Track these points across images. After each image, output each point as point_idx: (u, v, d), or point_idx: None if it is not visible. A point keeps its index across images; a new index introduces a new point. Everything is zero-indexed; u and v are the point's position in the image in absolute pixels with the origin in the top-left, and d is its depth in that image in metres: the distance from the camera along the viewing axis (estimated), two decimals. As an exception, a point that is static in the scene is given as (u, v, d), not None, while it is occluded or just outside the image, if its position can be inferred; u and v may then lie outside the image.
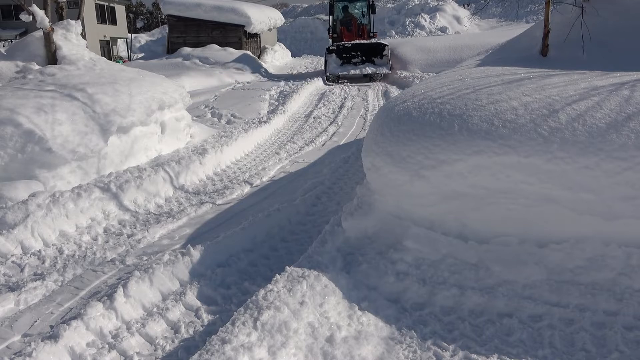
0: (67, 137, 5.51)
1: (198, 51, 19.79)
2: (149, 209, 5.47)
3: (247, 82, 16.28)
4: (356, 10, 18.73)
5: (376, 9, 19.82)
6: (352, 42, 16.73)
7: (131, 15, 54.71)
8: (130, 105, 6.46)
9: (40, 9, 7.13)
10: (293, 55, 29.62)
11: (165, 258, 3.98)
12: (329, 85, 15.55)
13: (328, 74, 16.15)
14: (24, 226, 4.47)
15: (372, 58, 16.16)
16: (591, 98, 3.79)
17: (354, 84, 15.70)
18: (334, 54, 16.24)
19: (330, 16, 18.68)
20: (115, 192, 5.36)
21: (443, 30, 30.63)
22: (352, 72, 15.87)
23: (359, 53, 16.18)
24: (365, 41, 17.05)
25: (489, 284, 3.48)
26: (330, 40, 18.31)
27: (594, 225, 3.47)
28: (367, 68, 15.92)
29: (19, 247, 4.37)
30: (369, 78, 16.07)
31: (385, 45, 16.40)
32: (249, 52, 21.27)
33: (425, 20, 31.56)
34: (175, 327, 3.33)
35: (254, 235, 4.58)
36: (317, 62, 24.42)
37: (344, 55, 16.16)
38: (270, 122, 9.53)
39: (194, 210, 5.37)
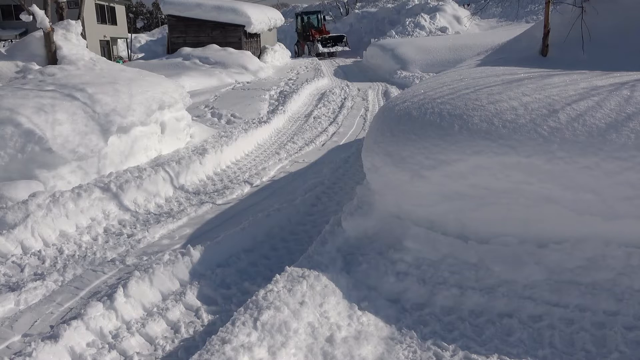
0: (67, 137, 5.50)
1: (198, 51, 19.74)
2: (149, 209, 5.47)
3: (247, 82, 16.28)
4: (313, 19, 32.49)
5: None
6: (329, 35, 30.17)
7: (131, 15, 54.65)
8: (130, 105, 6.46)
9: (40, 9, 7.13)
10: (295, 57, 29.73)
11: (165, 258, 3.99)
12: (321, 60, 26.04)
13: (318, 51, 28.69)
14: (24, 226, 4.47)
15: (337, 43, 29.47)
16: (591, 98, 3.79)
17: (353, 82, 15.84)
18: (319, 42, 29.06)
19: (299, 22, 32.92)
20: (115, 192, 5.36)
21: (443, 30, 30.54)
22: (329, 49, 28.97)
23: (330, 40, 29.55)
24: (334, 34, 30.56)
25: (489, 284, 3.48)
26: (296, 35, 33.41)
27: (594, 225, 3.46)
28: (335, 47, 29.18)
29: (19, 247, 4.37)
30: (335, 54, 29.56)
31: (344, 35, 30.32)
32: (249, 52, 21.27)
33: (425, 21, 31.46)
34: (175, 327, 3.33)
35: (254, 235, 4.58)
36: (317, 62, 24.45)
37: (323, 42, 29.19)
38: (270, 122, 9.53)
39: (194, 210, 5.37)
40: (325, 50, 28.91)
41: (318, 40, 29.17)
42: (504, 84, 4.38)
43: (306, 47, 30.65)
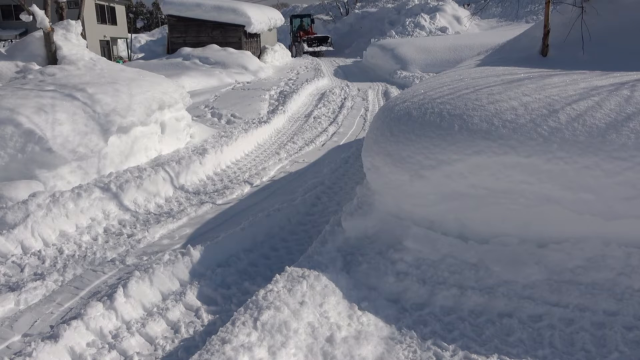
0: (67, 137, 5.51)
1: (198, 51, 19.73)
2: (149, 208, 5.47)
3: (247, 82, 16.28)
4: (305, 22, 35.63)
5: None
6: (314, 35, 33.41)
7: (131, 15, 54.61)
8: (131, 105, 6.46)
9: (40, 9, 7.13)
10: (293, 56, 29.74)
11: (165, 258, 3.99)
12: (320, 60, 27.20)
13: (303, 50, 31.43)
14: (24, 226, 4.47)
15: (322, 43, 32.33)
16: (591, 98, 3.79)
17: (353, 82, 15.85)
18: (305, 42, 31.92)
19: (290, 25, 35.78)
20: (116, 192, 5.36)
21: (443, 30, 30.57)
22: (315, 49, 31.63)
23: (316, 41, 32.42)
24: (320, 35, 33.61)
25: (489, 284, 3.48)
26: (290, 36, 35.97)
27: (594, 225, 3.47)
28: (320, 47, 31.92)
29: (19, 247, 4.37)
30: (321, 53, 32.00)
31: (329, 36, 33.16)
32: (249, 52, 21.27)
33: (425, 21, 31.51)
34: (175, 327, 3.33)
35: (254, 235, 4.58)
36: (317, 62, 24.46)
37: (309, 42, 32.19)
38: (270, 122, 9.53)
39: (194, 210, 5.37)
40: (310, 49, 31.65)
41: (304, 40, 32.32)
42: (504, 84, 4.38)
43: (294, 47, 32.83)
